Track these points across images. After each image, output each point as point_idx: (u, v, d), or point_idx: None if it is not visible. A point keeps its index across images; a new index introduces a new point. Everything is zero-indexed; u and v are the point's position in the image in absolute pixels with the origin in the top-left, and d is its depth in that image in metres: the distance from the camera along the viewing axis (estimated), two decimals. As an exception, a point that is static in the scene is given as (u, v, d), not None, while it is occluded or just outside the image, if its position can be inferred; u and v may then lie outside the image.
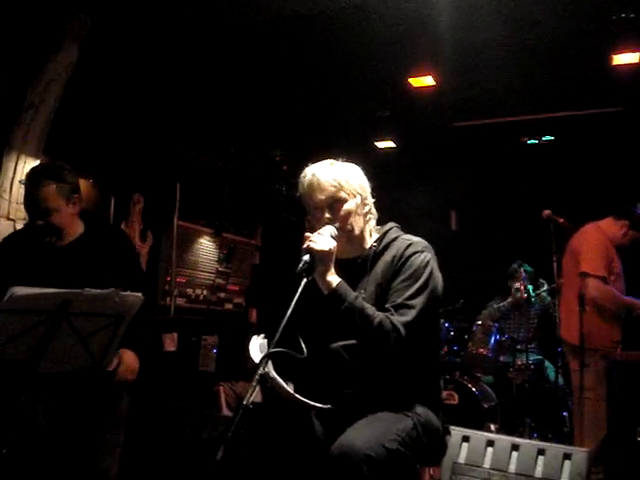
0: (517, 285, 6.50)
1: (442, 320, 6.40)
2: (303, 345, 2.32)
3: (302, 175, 2.69)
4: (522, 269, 6.60)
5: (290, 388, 2.58)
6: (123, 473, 3.22)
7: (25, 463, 2.88)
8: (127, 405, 3.44)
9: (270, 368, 2.41)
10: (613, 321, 4.99)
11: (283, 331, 2.13)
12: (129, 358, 3.26)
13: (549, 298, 6.60)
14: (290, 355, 2.24)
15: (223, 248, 7.20)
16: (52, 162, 3.44)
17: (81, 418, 3.15)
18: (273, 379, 2.36)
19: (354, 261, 2.67)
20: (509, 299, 6.67)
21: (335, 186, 2.59)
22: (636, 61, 5.61)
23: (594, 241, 5.02)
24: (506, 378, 6.42)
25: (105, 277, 3.10)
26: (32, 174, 3.29)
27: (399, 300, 2.46)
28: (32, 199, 3.20)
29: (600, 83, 6.19)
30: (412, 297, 2.46)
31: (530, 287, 6.44)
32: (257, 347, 2.48)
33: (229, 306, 7.37)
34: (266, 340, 2.53)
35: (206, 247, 6.96)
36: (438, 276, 2.58)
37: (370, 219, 2.72)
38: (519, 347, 6.36)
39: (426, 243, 2.64)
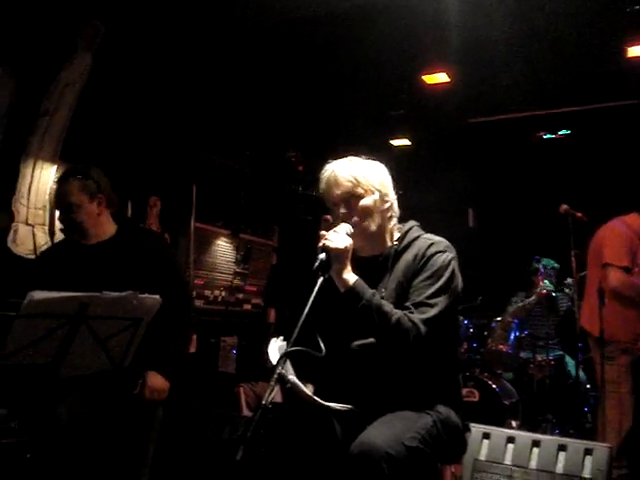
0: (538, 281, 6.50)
1: (461, 317, 6.37)
2: (322, 344, 2.31)
3: (322, 172, 2.70)
4: (541, 265, 6.56)
5: (309, 390, 2.58)
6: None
7: (49, 466, 2.90)
8: (160, 419, 3.46)
9: (289, 370, 2.41)
10: (635, 314, 4.95)
11: (301, 330, 2.14)
12: (154, 381, 3.29)
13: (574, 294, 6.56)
14: (308, 354, 2.23)
15: (240, 249, 7.21)
16: (83, 164, 3.51)
17: (112, 429, 3.18)
18: (292, 382, 2.36)
19: (375, 259, 2.67)
20: (533, 296, 6.65)
21: (351, 182, 2.59)
22: (651, 53, 5.58)
23: (618, 233, 4.97)
24: (526, 374, 6.39)
25: (133, 280, 3.13)
26: (62, 173, 3.51)
27: (419, 299, 2.45)
28: (58, 195, 3.36)
29: (615, 76, 6.15)
30: (433, 296, 2.46)
31: (547, 282, 6.41)
32: (276, 349, 2.48)
33: (247, 307, 7.38)
34: (285, 342, 2.53)
35: (223, 248, 6.98)
36: (459, 277, 2.58)
37: (391, 216, 2.71)
38: (540, 343, 6.34)
39: (448, 243, 2.63)
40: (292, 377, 2.38)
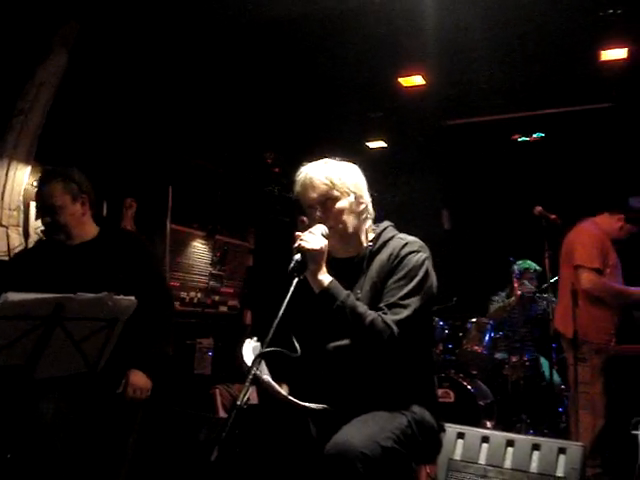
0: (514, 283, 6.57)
1: (436, 318, 6.40)
2: (297, 344, 2.32)
3: (297, 175, 2.70)
4: (515, 267, 6.61)
5: (284, 390, 2.59)
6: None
7: (32, 465, 2.88)
8: (139, 420, 3.48)
9: (264, 371, 2.41)
10: (607, 315, 5.00)
11: (276, 331, 2.14)
12: (136, 379, 3.31)
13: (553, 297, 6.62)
14: (284, 354, 2.24)
15: (216, 251, 7.20)
16: (63, 165, 3.51)
17: (94, 429, 3.18)
18: (267, 382, 2.36)
19: (350, 260, 2.68)
20: (513, 297, 6.71)
21: (327, 184, 2.60)
22: (624, 56, 5.64)
23: (589, 234, 5.04)
24: (501, 375, 6.43)
25: (116, 281, 3.13)
26: (43, 173, 3.47)
27: (393, 299, 2.46)
28: (40, 196, 3.34)
29: (589, 79, 6.21)
30: (406, 297, 2.47)
31: (526, 282, 6.47)
32: (250, 350, 2.48)
33: (224, 308, 7.37)
34: (259, 343, 2.53)
35: (199, 250, 6.96)
36: (433, 276, 2.59)
37: (366, 218, 2.72)
38: (516, 345, 6.38)
39: (422, 243, 2.64)
40: (267, 377, 2.39)
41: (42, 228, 3.41)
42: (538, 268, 6.61)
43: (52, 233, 3.33)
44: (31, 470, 2.85)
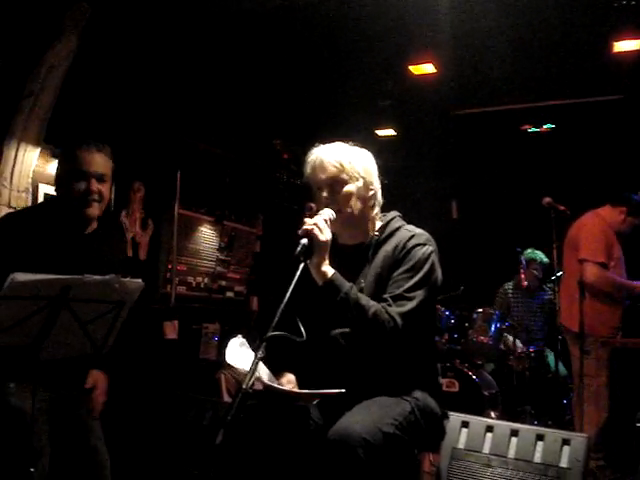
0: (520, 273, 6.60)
1: (442, 308, 6.41)
2: (302, 329, 2.32)
3: (308, 156, 2.70)
4: (522, 257, 6.62)
5: (286, 379, 2.60)
6: (127, 459, 3.22)
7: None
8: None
9: (263, 371, 2.42)
10: (613, 308, 5.01)
11: (282, 316, 2.14)
12: (102, 381, 3.21)
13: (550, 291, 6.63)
14: (289, 339, 2.24)
15: (224, 236, 7.20)
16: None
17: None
18: (267, 385, 2.37)
19: (356, 248, 2.68)
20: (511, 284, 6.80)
21: (337, 167, 2.60)
22: (637, 48, 5.61)
23: (593, 227, 5.04)
24: (507, 366, 6.43)
25: (112, 265, 3.08)
26: (86, 140, 3.15)
27: (398, 291, 2.47)
28: (91, 159, 3.06)
29: (601, 71, 6.17)
30: (411, 289, 2.47)
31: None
32: (236, 347, 2.48)
33: (230, 294, 7.38)
34: (245, 340, 2.54)
35: (207, 235, 6.97)
36: (438, 270, 2.60)
37: (374, 205, 2.72)
38: (522, 335, 6.39)
39: (428, 235, 2.64)
40: (265, 379, 2.40)
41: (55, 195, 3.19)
42: (545, 260, 6.61)
43: (82, 206, 3.00)
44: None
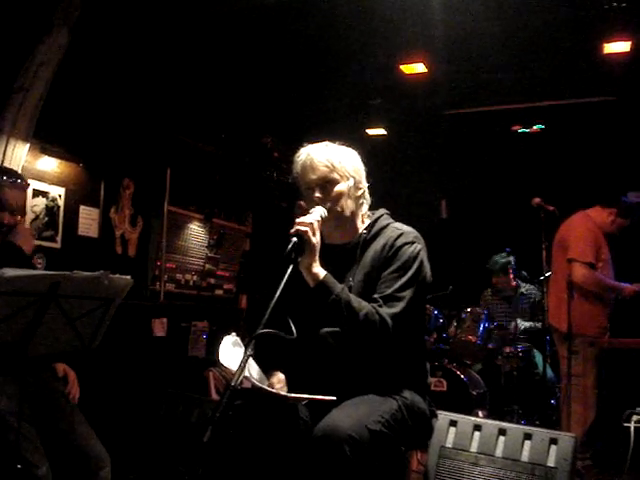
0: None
1: (431, 307, 6.42)
2: (293, 327, 2.32)
3: (297, 155, 2.69)
4: (512, 257, 6.67)
5: (276, 379, 2.59)
6: (114, 455, 3.21)
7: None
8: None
9: (253, 369, 2.42)
10: (601, 308, 5.04)
11: (272, 313, 2.14)
12: (70, 370, 3.32)
13: (535, 291, 6.65)
14: (279, 336, 2.24)
15: (213, 234, 7.19)
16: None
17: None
18: (256, 387, 2.36)
19: (343, 247, 2.67)
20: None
21: (328, 166, 2.60)
22: (627, 50, 5.63)
23: (582, 228, 5.07)
24: (495, 365, 6.45)
25: None
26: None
27: (388, 291, 2.47)
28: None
29: (591, 72, 6.20)
30: (401, 289, 2.47)
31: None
32: (229, 345, 2.48)
33: (219, 292, 7.37)
34: (238, 338, 2.53)
35: (196, 233, 6.95)
36: (427, 268, 2.60)
37: (362, 204, 2.72)
38: (509, 336, 6.42)
39: (417, 233, 2.64)
40: (256, 377, 2.40)
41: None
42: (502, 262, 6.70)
43: None
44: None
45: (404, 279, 2.49)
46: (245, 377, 2.15)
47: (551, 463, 2.72)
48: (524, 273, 6.78)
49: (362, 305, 2.40)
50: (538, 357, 6.40)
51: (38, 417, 3.02)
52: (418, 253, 2.55)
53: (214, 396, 5.88)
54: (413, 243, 2.57)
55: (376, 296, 2.47)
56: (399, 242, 2.56)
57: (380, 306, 2.42)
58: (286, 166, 7.40)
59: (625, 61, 5.80)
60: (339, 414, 2.29)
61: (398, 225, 2.68)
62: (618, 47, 5.62)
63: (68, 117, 5.17)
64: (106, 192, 5.67)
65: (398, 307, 2.43)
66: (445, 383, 5.94)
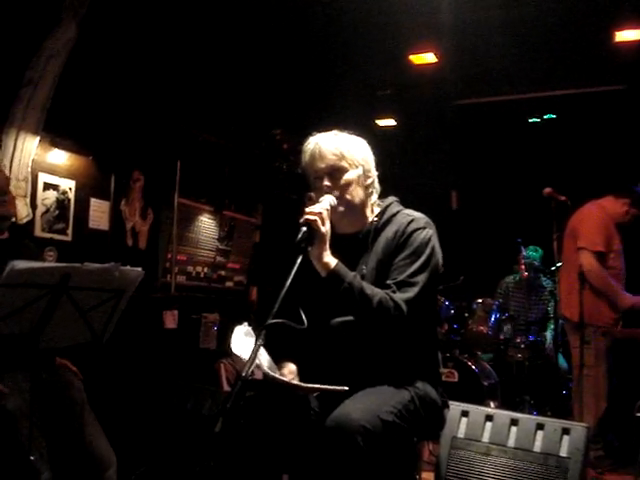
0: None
1: (442, 298, 6.41)
2: (304, 316, 2.31)
3: (305, 144, 2.68)
4: (523, 248, 6.64)
5: (287, 369, 2.59)
6: (126, 448, 3.22)
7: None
8: None
9: (264, 358, 2.42)
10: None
11: (282, 303, 2.13)
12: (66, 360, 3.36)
13: (551, 283, 6.63)
14: (290, 327, 2.23)
15: (224, 226, 7.19)
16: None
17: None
18: (267, 375, 2.36)
19: (354, 236, 2.66)
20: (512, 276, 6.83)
21: (336, 155, 2.58)
22: (639, 38, 5.58)
23: (594, 217, 5.03)
24: (506, 356, 6.44)
25: None
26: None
27: (401, 277, 2.45)
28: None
29: (603, 61, 6.16)
30: (414, 274, 2.46)
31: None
32: (241, 335, 2.47)
33: (230, 284, 7.38)
34: (250, 327, 2.53)
35: (207, 225, 6.95)
36: (439, 252, 2.58)
37: (372, 192, 2.71)
38: (521, 327, 6.41)
39: (427, 219, 2.62)
40: (266, 367, 2.39)
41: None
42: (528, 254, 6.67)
43: None
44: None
45: (417, 264, 2.47)
46: (257, 366, 2.14)
47: (564, 453, 2.72)
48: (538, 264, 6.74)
49: (375, 292, 2.39)
50: (549, 337, 6.40)
51: (49, 413, 3.03)
52: (430, 238, 2.54)
53: (225, 388, 5.88)
54: (424, 229, 2.56)
55: (389, 282, 2.46)
56: (410, 228, 2.55)
57: (394, 292, 2.41)
58: (295, 158, 7.39)
59: (636, 49, 5.75)
60: (352, 405, 2.28)
61: (408, 211, 2.67)
62: (629, 35, 5.59)
63: (78, 110, 5.16)
64: (116, 185, 5.67)
65: (412, 292, 2.41)
66: (456, 374, 5.93)
